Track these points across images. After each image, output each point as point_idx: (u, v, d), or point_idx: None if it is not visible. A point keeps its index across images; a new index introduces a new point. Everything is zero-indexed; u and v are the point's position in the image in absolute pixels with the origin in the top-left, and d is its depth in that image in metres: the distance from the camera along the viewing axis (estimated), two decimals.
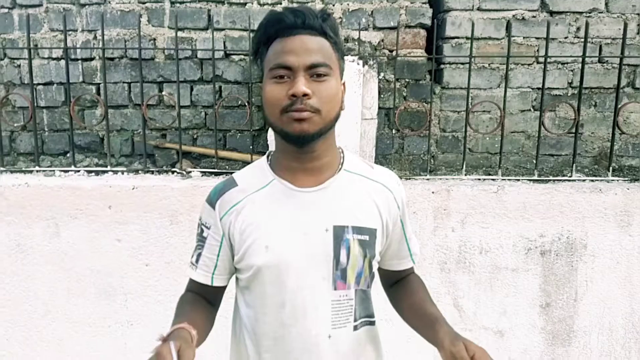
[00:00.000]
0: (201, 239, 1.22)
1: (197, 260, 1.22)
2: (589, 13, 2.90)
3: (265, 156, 1.25)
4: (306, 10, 1.10)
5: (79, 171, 2.68)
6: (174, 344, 0.93)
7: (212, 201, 1.21)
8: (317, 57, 1.08)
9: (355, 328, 1.19)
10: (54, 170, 2.68)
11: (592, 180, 2.61)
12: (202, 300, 1.23)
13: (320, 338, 1.15)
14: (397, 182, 1.26)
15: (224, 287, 1.26)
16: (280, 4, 2.89)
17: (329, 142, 1.17)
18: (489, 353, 1.03)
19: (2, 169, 2.66)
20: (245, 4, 2.91)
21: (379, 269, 1.33)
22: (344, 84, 1.18)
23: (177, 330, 1.01)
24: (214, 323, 1.24)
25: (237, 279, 1.25)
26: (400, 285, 1.33)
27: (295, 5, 2.88)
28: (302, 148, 1.13)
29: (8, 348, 2.60)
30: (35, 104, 2.85)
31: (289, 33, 1.09)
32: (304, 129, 1.07)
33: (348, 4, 2.89)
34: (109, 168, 2.69)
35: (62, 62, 2.94)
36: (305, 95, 1.06)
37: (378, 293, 1.29)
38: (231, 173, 2.62)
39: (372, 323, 1.25)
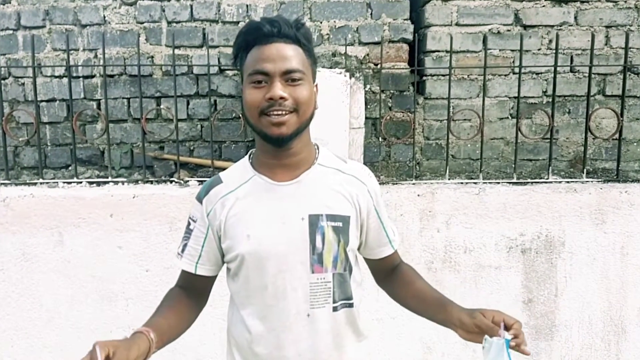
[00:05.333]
0: (188, 231, 1.29)
1: (182, 250, 1.29)
2: (560, 26, 2.99)
3: (247, 155, 1.32)
4: (281, 19, 1.16)
5: (81, 182, 2.71)
6: (99, 349, 0.97)
7: (200, 197, 1.28)
8: (292, 64, 1.15)
9: (335, 309, 1.24)
10: (57, 182, 2.70)
11: (568, 182, 2.67)
12: (184, 296, 1.28)
13: (300, 317, 1.22)
14: (369, 173, 1.32)
15: (209, 279, 1.31)
16: None
17: (304, 140, 1.23)
18: (503, 312, 1.14)
19: (7, 181, 2.68)
20: (238, 22, 2.98)
21: (368, 263, 1.39)
22: (316, 85, 1.25)
23: (135, 334, 1.09)
24: (194, 317, 1.29)
25: (227, 269, 1.31)
26: (395, 276, 1.37)
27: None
28: (280, 147, 1.19)
29: (12, 354, 2.59)
30: (39, 120, 2.88)
31: (266, 41, 1.15)
32: (282, 132, 1.15)
33: (335, 21, 2.97)
34: (109, 179, 2.72)
35: (65, 79, 2.98)
36: (281, 98, 1.13)
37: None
38: None
39: (351, 305, 1.28)
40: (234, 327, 1.31)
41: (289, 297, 1.21)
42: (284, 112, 1.14)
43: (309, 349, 1.23)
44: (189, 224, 1.30)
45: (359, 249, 1.34)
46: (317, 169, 1.26)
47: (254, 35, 1.17)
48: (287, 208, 1.21)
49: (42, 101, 3.01)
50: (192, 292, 1.30)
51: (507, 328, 1.10)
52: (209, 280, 1.31)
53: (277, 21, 1.16)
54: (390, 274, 1.39)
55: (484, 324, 1.13)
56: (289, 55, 1.15)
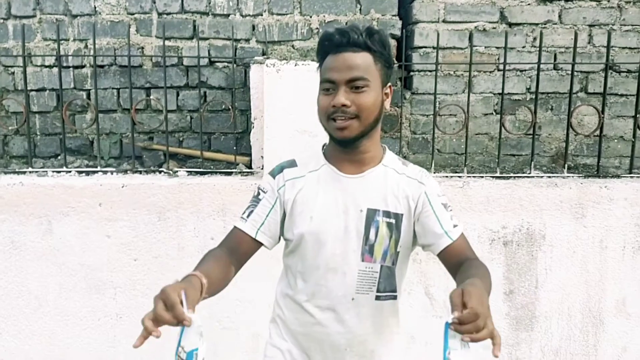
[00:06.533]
0: (256, 200, 1.40)
1: (248, 215, 1.37)
2: (544, 24, 3.02)
3: (321, 146, 1.44)
4: (351, 29, 1.27)
5: (70, 172, 2.71)
6: (184, 293, 1.00)
7: (273, 173, 1.41)
8: (356, 73, 1.25)
9: (378, 298, 1.35)
10: (46, 171, 2.70)
11: (550, 177, 2.71)
12: (226, 256, 1.32)
13: (345, 299, 1.33)
14: (426, 175, 1.39)
15: (258, 247, 1.38)
16: (261, 15, 2.97)
17: (372, 140, 1.35)
18: (479, 297, 0.98)
19: None
20: (228, 15, 2.98)
21: (443, 261, 1.36)
22: (389, 87, 1.35)
23: (189, 276, 1.12)
24: (230, 279, 1.32)
25: (285, 246, 1.42)
26: (459, 269, 1.29)
27: (278, 18, 2.97)
28: (344, 148, 1.33)
29: (1, 342, 2.59)
30: (29, 109, 2.87)
31: (336, 50, 1.27)
32: (345, 135, 1.28)
33: (324, 16, 2.98)
34: (99, 169, 2.72)
35: (55, 69, 2.97)
36: (343, 105, 1.25)
37: None
38: (216, 173, 2.70)
39: (395, 297, 1.39)
40: (283, 299, 1.44)
41: (338, 279, 1.33)
42: (346, 118, 1.26)
43: (349, 330, 1.35)
44: (258, 194, 1.40)
45: (420, 244, 1.38)
46: (381, 169, 1.36)
47: (327, 46, 1.30)
48: (348, 199, 1.33)
49: (31, 90, 3.00)
50: (235, 255, 1.35)
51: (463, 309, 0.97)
52: (256, 249, 1.38)
53: (347, 31, 1.26)
54: (457, 269, 1.31)
55: (452, 300, 1.01)
56: (355, 64, 1.25)
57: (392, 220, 1.33)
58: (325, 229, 1.32)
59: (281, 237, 1.42)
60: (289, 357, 1.42)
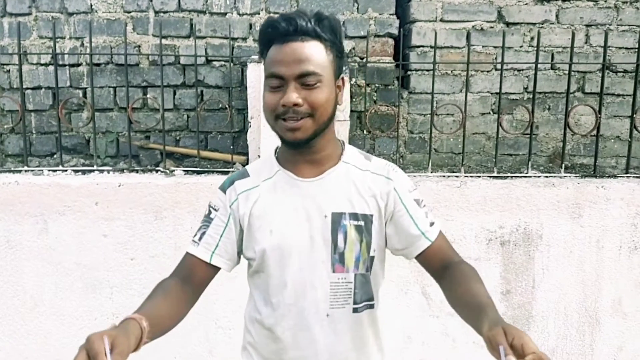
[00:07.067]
0: (207, 220, 1.26)
1: (200, 238, 1.24)
2: (542, 24, 3.02)
3: (274, 150, 1.30)
4: (299, 15, 1.11)
5: (66, 170, 2.69)
6: (106, 339, 0.89)
7: (224, 188, 1.27)
8: (307, 67, 1.10)
9: (356, 310, 1.22)
10: (42, 170, 2.68)
11: (547, 176, 2.71)
12: (179, 287, 1.19)
13: (318, 316, 1.20)
14: (394, 169, 1.26)
15: (215, 272, 1.25)
16: (259, 13, 2.96)
17: (327, 138, 1.21)
18: (529, 337, 0.89)
19: None
20: (225, 13, 2.97)
21: (422, 263, 1.27)
22: (342, 79, 1.21)
23: (126, 320, 1.00)
24: (186, 311, 1.20)
25: (248, 266, 1.29)
26: (446, 277, 1.20)
27: (274, 14, 2.96)
28: (297, 150, 1.19)
29: None
30: (24, 108, 2.85)
31: (282, 40, 1.12)
32: (297, 137, 1.14)
33: None
34: (95, 168, 2.70)
35: (51, 67, 2.95)
36: (295, 105, 1.11)
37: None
38: (213, 172, 2.69)
39: (372, 306, 1.26)
40: (252, 325, 1.30)
41: (309, 296, 1.19)
42: (298, 118, 1.12)
43: (326, 349, 1.21)
44: (209, 212, 1.26)
45: (392, 250, 1.28)
46: (342, 167, 1.23)
47: (270, 34, 1.14)
48: (310, 205, 1.20)
49: (27, 89, 2.98)
50: (190, 284, 1.22)
51: (521, 356, 0.87)
52: (213, 274, 1.26)
53: (294, 18, 1.11)
54: (442, 273, 1.22)
55: (495, 341, 0.90)
56: (305, 56, 1.11)
57: (361, 223, 1.20)
58: (288, 242, 1.19)
59: (241, 257, 1.29)
60: None
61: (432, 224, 1.25)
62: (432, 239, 1.23)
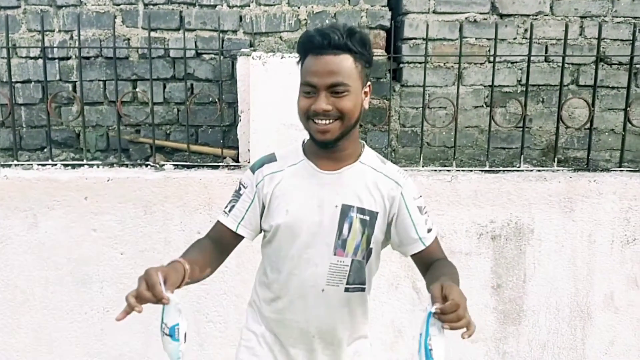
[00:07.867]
0: (237, 195, 1.45)
1: (229, 210, 1.44)
2: (535, 16, 2.99)
3: (302, 141, 1.47)
4: (332, 30, 1.27)
5: (55, 165, 2.68)
6: (160, 274, 1.11)
7: (253, 168, 1.45)
8: (337, 78, 1.27)
9: (347, 290, 1.40)
10: (31, 164, 2.67)
11: (539, 170, 2.69)
12: (212, 246, 1.42)
13: (315, 289, 1.39)
14: (404, 176, 1.42)
15: (239, 240, 1.45)
16: (249, 5, 2.93)
17: (351, 139, 1.37)
18: (459, 290, 1.12)
19: None
20: (215, 6, 2.94)
21: (414, 260, 1.45)
22: (369, 86, 1.38)
23: (173, 262, 1.23)
24: (215, 268, 1.42)
25: (263, 236, 1.48)
26: (429, 268, 1.40)
27: (265, 9, 2.93)
28: (325, 149, 1.36)
29: None
30: (14, 101, 2.83)
31: (317, 52, 1.28)
32: (326, 138, 1.31)
33: (312, 7, 2.94)
34: (85, 162, 2.69)
35: (40, 61, 2.92)
36: (325, 111, 1.28)
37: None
38: (203, 166, 2.67)
39: (363, 290, 1.44)
40: (260, 286, 1.50)
41: (310, 271, 1.38)
42: (327, 122, 1.29)
43: (317, 319, 1.41)
44: (239, 188, 1.46)
45: (392, 245, 1.45)
46: (358, 166, 1.39)
47: (307, 46, 1.31)
48: (324, 194, 1.37)
49: (16, 82, 2.96)
50: (219, 246, 1.44)
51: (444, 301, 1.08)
52: (238, 241, 1.46)
53: (328, 33, 1.27)
54: (428, 268, 1.42)
55: (432, 293, 1.12)
56: (336, 68, 1.27)
57: (367, 218, 1.37)
58: (299, 222, 1.36)
59: (261, 228, 1.47)
60: (263, 341, 1.49)
61: (429, 230, 1.41)
62: (427, 244, 1.40)
